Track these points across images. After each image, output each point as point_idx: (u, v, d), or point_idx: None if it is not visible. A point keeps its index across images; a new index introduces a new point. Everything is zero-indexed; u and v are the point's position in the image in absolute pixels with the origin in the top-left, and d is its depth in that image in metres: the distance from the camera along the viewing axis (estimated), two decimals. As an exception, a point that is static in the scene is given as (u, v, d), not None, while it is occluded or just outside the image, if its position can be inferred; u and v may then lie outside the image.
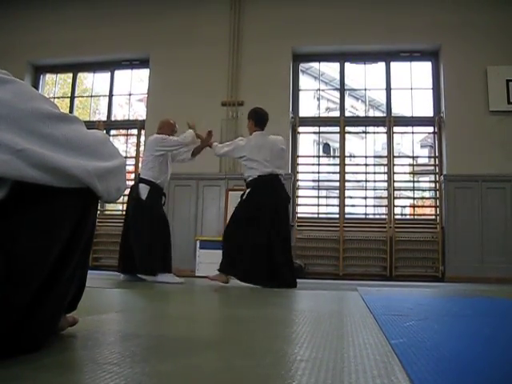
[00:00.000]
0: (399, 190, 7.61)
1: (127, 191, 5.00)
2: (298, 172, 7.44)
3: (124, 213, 7.06)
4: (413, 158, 7.86)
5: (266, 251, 4.12)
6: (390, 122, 7.34)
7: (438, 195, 7.18)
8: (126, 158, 7.64)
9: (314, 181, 7.72)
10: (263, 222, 4.16)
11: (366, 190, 7.49)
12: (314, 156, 8.17)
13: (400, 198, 7.74)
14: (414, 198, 7.79)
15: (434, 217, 7.26)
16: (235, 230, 4.27)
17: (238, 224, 4.26)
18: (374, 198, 7.77)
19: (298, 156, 7.48)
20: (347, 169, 7.44)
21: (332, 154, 9.03)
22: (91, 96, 8.67)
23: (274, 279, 4.08)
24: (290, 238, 4.41)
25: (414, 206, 7.88)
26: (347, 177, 7.42)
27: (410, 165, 7.82)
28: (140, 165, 4.70)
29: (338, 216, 7.23)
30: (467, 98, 6.92)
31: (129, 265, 4.48)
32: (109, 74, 8.32)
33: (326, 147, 8.73)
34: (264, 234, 4.15)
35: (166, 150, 4.61)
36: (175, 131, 4.81)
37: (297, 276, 4.34)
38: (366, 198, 7.48)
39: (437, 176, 7.22)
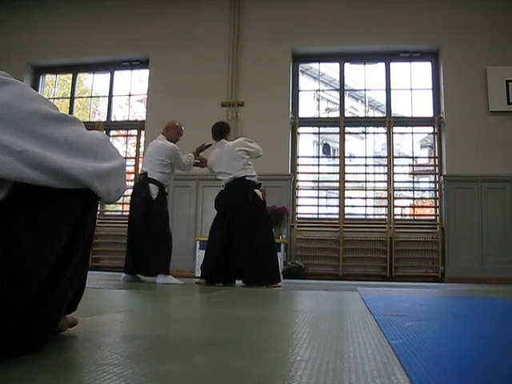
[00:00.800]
0: (399, 190, 7.62)
1: (130, 191, 5.02)
2: (297, 172, 7.45)
3: (126, 213, 7.04)
4: (412, 158, 7.86)
5: (227, 251, 4.27)
6: (389, 122, 7.35)
7: (437, 195, 7.19)
8: (125, 158, 7.63)
9: (313, 181, 7.72)
10: (223, 224, 4.34)
11: (365, 190, 7.50)
12: (313, 156, 8.18)
13: (400, 198, 7.74)
14: (413, 199, 7.79)
15: (433, 217, 7.26)
16: (209, 239, 4.51)
17: (210, 233, 4.51)
18: (374, 198, 7.78)
19: (297, 156, 7.48)
20: (347, 169, 7.45)
21: (332, 154, 9.05)
22: (91, 97, 8.68)
23: (238, 277, 4.33)
24: (262, 238, 4.32)
25: (413, 207, 7.88)
26: (347, 177, 7.43)
27: (409, 165, 7.83)
28: (141, 165, 4.69)
29: (337, 216, 7.24)
30: (467, 98, 6.92)
31: (134, 265, 4.47)
32: (108, 74, 8.32)
33: (326, 148, 8.74)
34: (224, 235, 4.29)
35: (174, 162, 4.69)
36: (181, 134, 4.87)
37: (273, 276, 4.31)
38: (365, 198, 7.49)
39: (436, 176, 7.22)
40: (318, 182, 7.70)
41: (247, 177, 4.37)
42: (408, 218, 7.75)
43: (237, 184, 4.36)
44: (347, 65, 7.83)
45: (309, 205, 7.65)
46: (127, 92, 8.42)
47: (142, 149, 7.78)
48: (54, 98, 8.51)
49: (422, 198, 8.34)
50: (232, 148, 4.48)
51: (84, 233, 1.07)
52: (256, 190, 4.39)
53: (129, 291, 3.46)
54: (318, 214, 7.56)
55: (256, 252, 4.22)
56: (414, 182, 7.77)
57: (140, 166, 7.65)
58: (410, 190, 7.67)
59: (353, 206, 7.64)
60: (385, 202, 7.33)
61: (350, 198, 7.50)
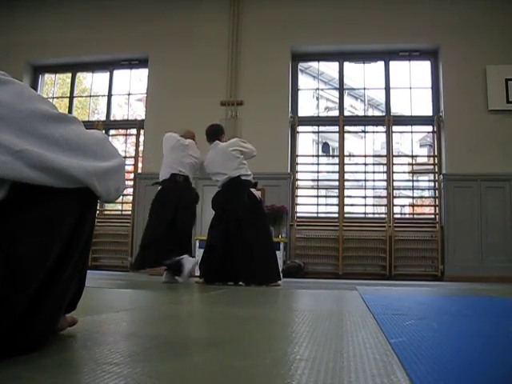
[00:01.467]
0: (398, 189, 7.61)
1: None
2: (297, 171, 7.45)
3: (126, 212, 6.99)
4: (412, 157, 7.86)
5: (226, 251, 4.25)
6: (389, 121, 7.35)
7: (437, 194, 7.19)
8: (125, 157, 7.64)
9: (313, 180, 7.73)
10: (221, 224, 4.32)
11: (365, 189, 7.49)
12: (313, 155, 8.17)
13: (399, 197, 7.74)
14: (413, 198, 7.80)
15: (433, 216, 7.27)
16: (207, 239, 4.50)
17: (208, 233, 4.51)
18: (374, 197, 7.77)
19: (297, 155, 7.48)
20: (346, 168, 7.45)
21: (331, 153, 9.04)
22: (90, 96, 8.66)
23: (237, 278, 4.29)
24: (259, 238, 4.30)
25: (413, 206, 7.88)
26: (346, 176, 7.43)
27: (409, 164, 7.83)
28: (176, 165, 4.57)
29: (337, 215, 7.23)
30: (466, 97, 6.92)
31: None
32: (108, 73, 8.32)
33: (326, 147, 8.73)
34: (222, 234, 4.28)
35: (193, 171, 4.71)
36: None
37: (273, 275, 4.28)
38: (365, 197, 7.49)
39: (436, 175, 7.22)
40: (318, 180, 7.70)
41: (242, 176, 4.39)
42: (407, 216, 7.76)
43: (232, 183, 4.37)
44: (346, 64, 7.82)
45: (308, 204, 7.65)
46: (126, 91, 8.41)
47: (141, 148, 7.78)
48: (53, 98, 8.50)
49: (421, 197, 8.34)
50: (226, 148, 4.50)
51: (83, 232, 1.07)
52: (252, 189, 4.41)
53: (128, 290, 3.46)
54: (317, 212, 7.56)
55: (253, 251, 4.22)
56: (413, 180, 7.78)
57: (140, 165, 7.68)
58: (410, 189, 7.68)
59: (352, 205, 7.64)
60: (384, 201, 7.34)
61: (350, 196, 7.50)
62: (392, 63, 7.70)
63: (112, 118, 8.31)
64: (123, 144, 8.43)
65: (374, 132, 7.94)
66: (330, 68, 8.75)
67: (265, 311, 2.30)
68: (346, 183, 7.36)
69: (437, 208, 7.14)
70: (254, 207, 4.36)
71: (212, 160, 4.54)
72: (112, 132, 8.38)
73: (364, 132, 7.96)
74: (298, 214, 7.36)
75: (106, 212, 8.07)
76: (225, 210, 4.36)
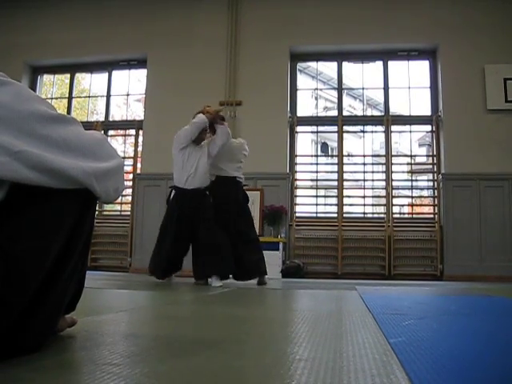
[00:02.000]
0: (397, 188, 7.61)
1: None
2: (296, 171, 7.44)
3: (125, 213, 6.96)
4: (411, 156, 7.86)
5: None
6: (387, 120, 7.35)
7: (436, 194, 7.19)
8: (123, 158, 7.63)
9: (312, 180, 7.72)
10: (218, 220, 4.34)
11: (364, 189, 7.49)
12: (312, 155, 8.16)
13: (398, 196, 7.74)
14: (412, 197, 7.79)
15: (432, 215, 7.27)
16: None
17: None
18: (373, 197, 7.77)
19: (296, 155, 7.48)
20: (345, 168, 7.44)
21: (330, 153, 9.06)
22: (89, 96, 8.65)
23: (234, 275, 4.36)
24: (254, 235, 4.50)
25: (412, 205, 7.88)
26: (345, 176, 7.43)
27: (408, 164, 7.82)
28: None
29: (336, 215, 7.23)
30: (465, 96, 6.93)
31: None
32: (106, 74, 8.31)
33: (324, 146, 8.74)
34: (218, 231, 4.32)
35: (183, 143, 4.34)
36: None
37: (259, 269, 4.36)
38: (364, 197, 7.48)
39: (435, 175, 7.22)
40: (317, 180, 7.70)
41: (237, 178, 4.51)
42: (406, 216, 7.75)
43: (228, 182, 4.46)
44: (345, 63, 7.82)
45: (307, 204, 7.64)
46: (125, 92, 8.40)
47: (140, 148, 7.77)
48: (52, 98, 8.49)
49: (420, 197, 8.34)
50: (237, 150, 4.58)
51: (82, 232, 1.07)
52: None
53: (127, 291, 3.46)
54: (316, 212, 7.56)
55: (249, 248, 4.34)
56: (412, 180, 7.78)
57: (139, 165, 7.68)
58: (409, 189, 7.67)
59: (351, 205, 7.64)
60: (383, 201, 7.33)
61: (349, 196, 7.50)
62: (391, 63, 7.70)
63: (111, 119, 8.30)
64: (122, 144, 8.43)
65: (372, 132, 7.94)
66: (328, 68, 8.76)
67: (264, 311, 2.30)
68: (345, 183, 7.36)
69: (436, 207, 7.14)
70: (247, 207, 4.53)
71: (220, 153, 4.52)
72: (111, 132, 8.37)
73: (363, 132, 7.96)
74: (297, 214, 7.36)
75: (104, 212, 8.07)
76: (220, 209, 4.38)
